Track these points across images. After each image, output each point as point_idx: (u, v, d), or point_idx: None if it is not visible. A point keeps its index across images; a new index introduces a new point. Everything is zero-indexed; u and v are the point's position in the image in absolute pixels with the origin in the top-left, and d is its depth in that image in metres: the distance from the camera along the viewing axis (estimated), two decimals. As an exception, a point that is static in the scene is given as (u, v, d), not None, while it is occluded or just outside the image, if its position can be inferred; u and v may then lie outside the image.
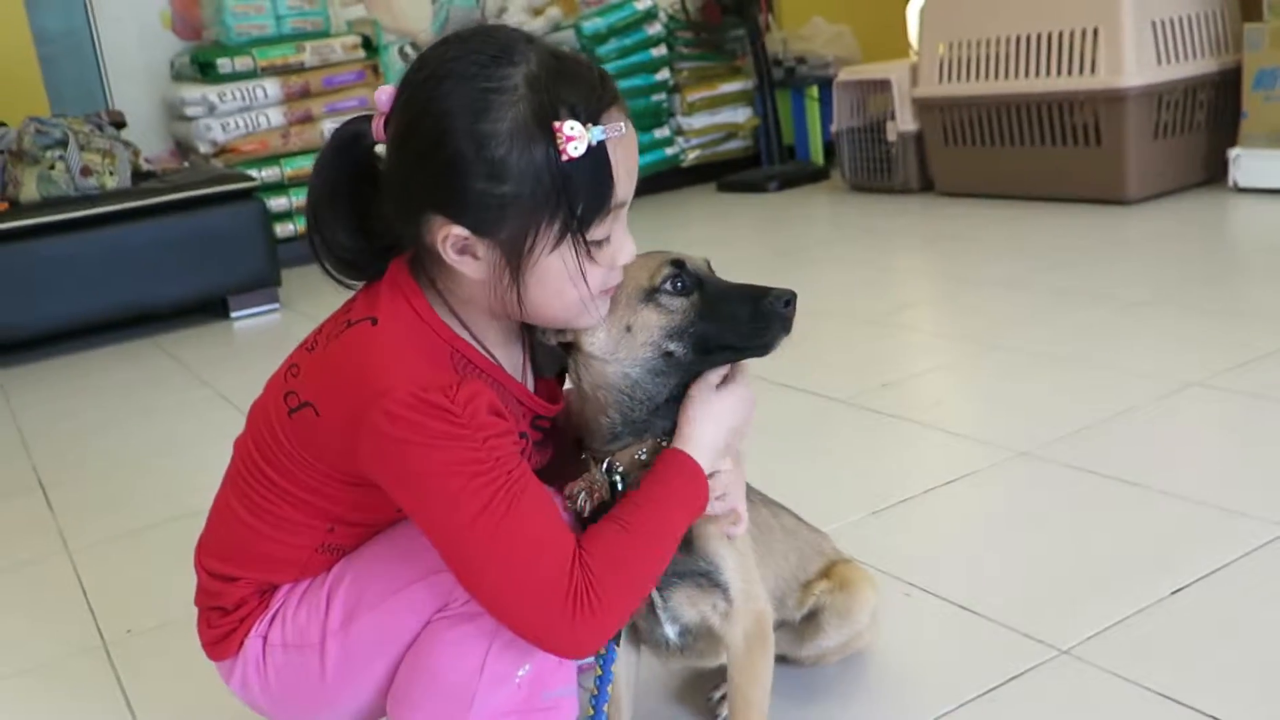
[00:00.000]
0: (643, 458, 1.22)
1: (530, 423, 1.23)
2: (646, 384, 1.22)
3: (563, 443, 1.31)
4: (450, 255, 1.10)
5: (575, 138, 1.04)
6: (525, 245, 1.08)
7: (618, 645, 1.30)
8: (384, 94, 1.13)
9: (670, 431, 1.22)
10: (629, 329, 1.20)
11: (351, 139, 1.17)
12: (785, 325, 1.19)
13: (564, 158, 1.04)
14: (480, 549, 1.07)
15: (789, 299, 1.18)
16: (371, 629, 1.20)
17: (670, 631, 1.31)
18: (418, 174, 1.09)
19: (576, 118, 1.05)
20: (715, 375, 1.24)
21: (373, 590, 1.20)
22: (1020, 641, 1.55)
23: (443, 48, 1.09)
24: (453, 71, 1.06)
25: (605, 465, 1.23)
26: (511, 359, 1.23)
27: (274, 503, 1.21)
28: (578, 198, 1.07)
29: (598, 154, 1.06)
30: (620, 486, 1.22)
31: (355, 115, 1.19)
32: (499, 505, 1.07)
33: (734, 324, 1.19)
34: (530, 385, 1.26)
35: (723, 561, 1.26)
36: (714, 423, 1.22)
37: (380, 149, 1.17)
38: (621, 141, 1.08)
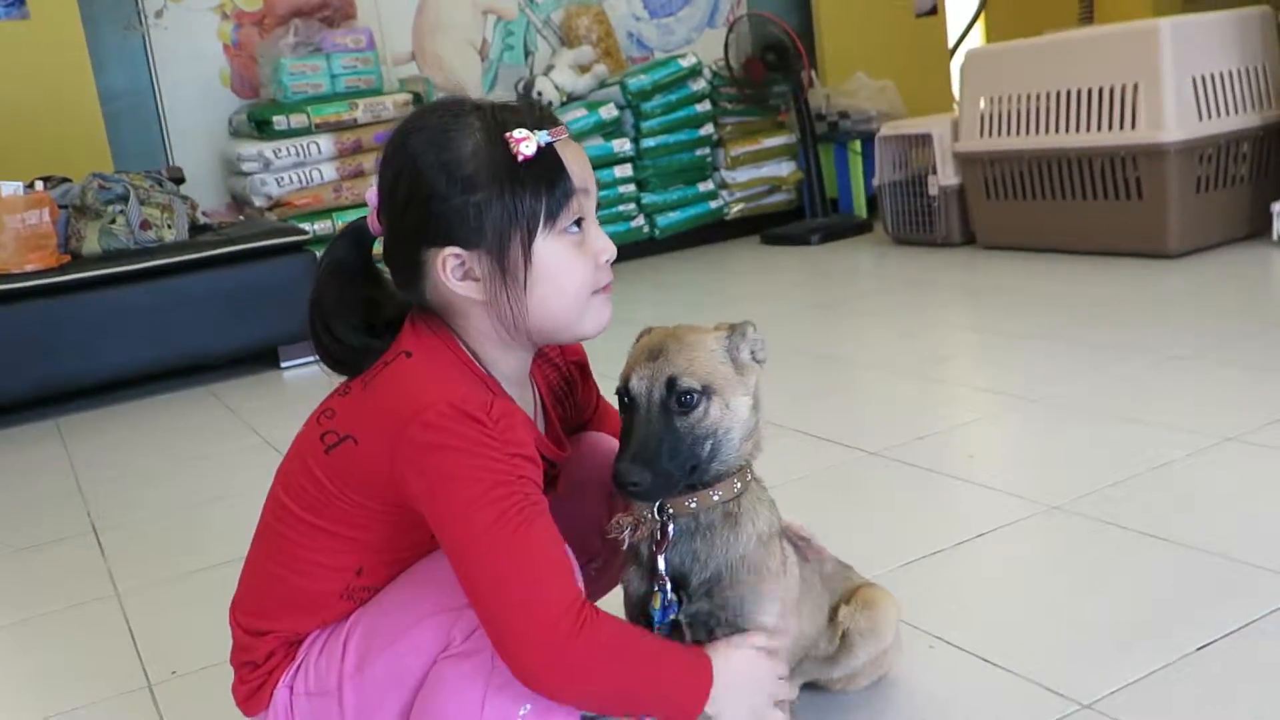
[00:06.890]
0: (692, 506, 1.27)
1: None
2: None
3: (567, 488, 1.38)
4: (454, 283, 1.21)
5: (525, 139, 1.19)
6: (510, 242, 1.19)
7: None
8: (374, 193, 1.27)
9: (720, 478, 1.27)
10: None
11: (353, 236, 1.30)
12: (630, 495, 1.25)
13: (520, 158, 1.18)
14: (486, 559, 1.11)
15: (626, 483, 1.20)
16: (383, 671, 1.24)
17: None
18: (408, 218, 1.21)
19: (524, 128, 1.20)
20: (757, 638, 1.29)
21: (382, 634, 1.25)
22: (1043, 695, 1.55)
23: (404, 121, 1.25)
24: (414, 128, 1.22)
25: (658, 506, 1.28)
26: (524, 400, 1.29)
27: (305, 547, 1.26)
28: (540, 186, 1.20)
29: (548, 152, 1.20)
30: (671, 529, 1.27)
31: (351, 220, 1.33)
32: (511, 520, 1.12)
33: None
34: (541, 428, 1.33)
35: (759, 609, 1.30)
36: (738, 690, 1.25)
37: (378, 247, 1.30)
38: (567, 144, 1.23)
